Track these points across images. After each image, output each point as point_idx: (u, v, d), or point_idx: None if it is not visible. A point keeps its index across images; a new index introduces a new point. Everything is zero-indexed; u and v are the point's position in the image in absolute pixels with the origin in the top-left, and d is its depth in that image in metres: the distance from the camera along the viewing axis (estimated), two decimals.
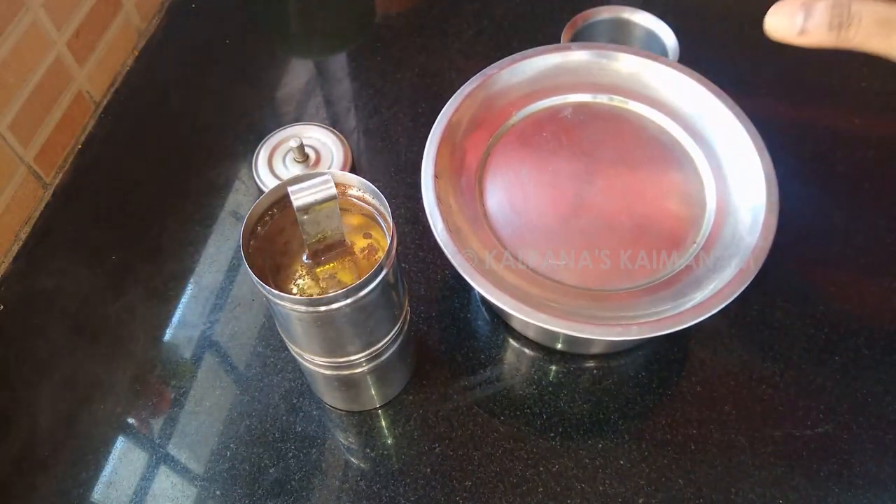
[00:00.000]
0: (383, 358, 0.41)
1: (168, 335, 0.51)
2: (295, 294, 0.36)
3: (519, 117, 0.49)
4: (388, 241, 0.36)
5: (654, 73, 0.49)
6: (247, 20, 0.72)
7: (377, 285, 0.35)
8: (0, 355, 0.50)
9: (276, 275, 0.37)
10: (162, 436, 0.47)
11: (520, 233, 0.44)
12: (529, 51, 0.50)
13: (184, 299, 0.52)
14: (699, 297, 0.40)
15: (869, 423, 0.45)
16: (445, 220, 0.42)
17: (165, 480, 0.45)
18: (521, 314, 0.39)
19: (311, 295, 0.36)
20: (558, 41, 0.57)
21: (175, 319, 0.51)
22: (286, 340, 0.41)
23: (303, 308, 0.34)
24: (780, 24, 0.29)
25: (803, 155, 0.58)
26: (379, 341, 0.40)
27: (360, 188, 0.37)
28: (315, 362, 0.40)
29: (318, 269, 0.37)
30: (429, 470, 0.44)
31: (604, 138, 0.48)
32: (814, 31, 0.28)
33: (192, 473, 0.45)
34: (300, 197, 0.33)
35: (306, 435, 0.46)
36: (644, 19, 0.58)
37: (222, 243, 0.55)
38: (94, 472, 0.45)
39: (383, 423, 0.47)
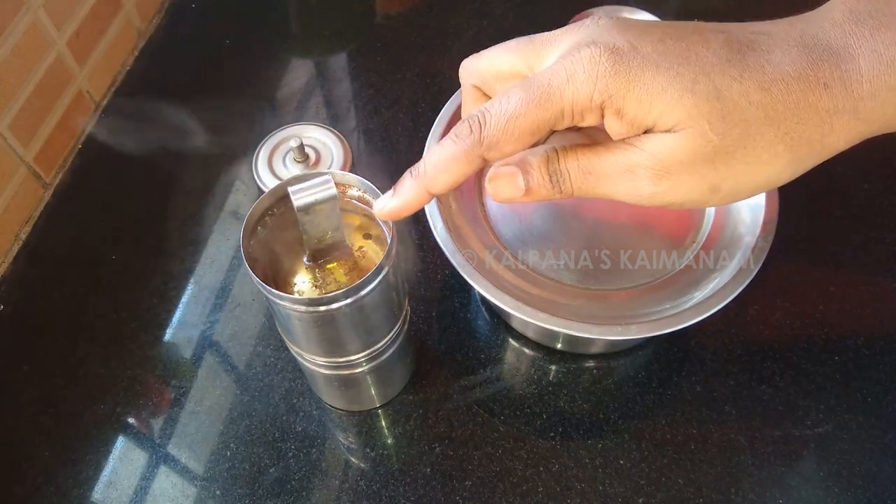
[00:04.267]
0: (383, 358, 0.41)
1: (168, 335, 0.51)
2: (295, 294, 0.36)
3: None
4: (388, 241, 0.36)
5: None
6: (247, 20, 0.72)
7: (377, 285, 0.35)
8: (0, 355, 0.50)
9: (276, 275, 0.37)
10: (162, 436, 0.47)
11: (520, 233, 0.44)
12: None
13: (184, 299, 0.52)
14: (699, 296, 0.40)
15: (869, 423, 0.45)
16: (445, 220, 0.42)
17: (165, 480, 0.45)
18: (521, 314, 0.39)
19: (312, 295, 0.36)
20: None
21: (175, 319, 0.51)
22: (286, 340, 0.41)
23: (303, 308, 0.34)
24: (505, 190, 0.29)
25: None
26: (379, 341, 0.40)
27: (360, 188, 0.37)
28: (315, 362, 0.40)
29: (319, 269, 0.37)
30: (429, 470, 0.44)
31: None
32: (537, 188, 0.29)
33: (192, 473, 0.45)
34: (300, 197, 0.33)
35: (306, 435, 0.46)
36: (643, 19, 0.58)
37: (222, 243, 0.55)
38: (94, 472, 0.45)
39: (383, 423, 0.47)
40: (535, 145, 0.29)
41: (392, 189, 0.31)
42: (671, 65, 0.25)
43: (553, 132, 0.29)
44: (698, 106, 0.25)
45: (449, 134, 0.28)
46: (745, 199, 0.28)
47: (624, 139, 0.27)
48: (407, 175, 0.30)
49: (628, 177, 0.27)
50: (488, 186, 0.30)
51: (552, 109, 0.26)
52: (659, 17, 0.57)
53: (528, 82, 0.27)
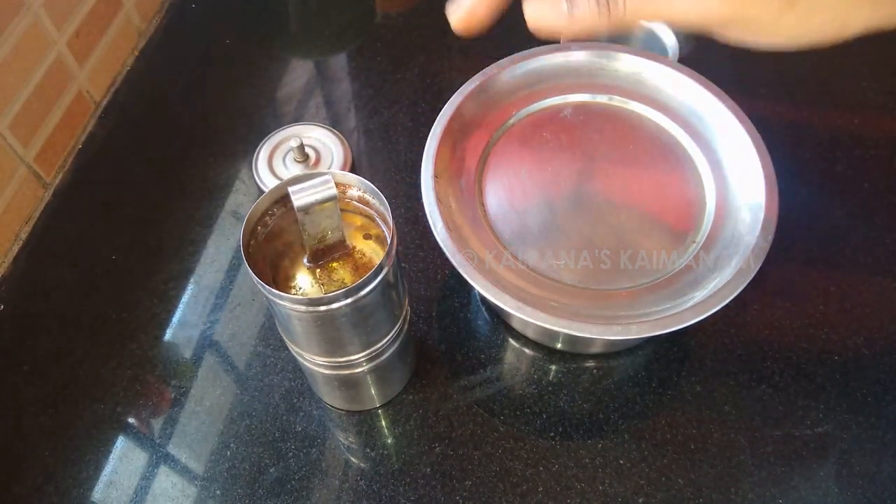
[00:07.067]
0: (383, 358, 0.41)
1: (168, 335, 0.51)
2: (295, 294, 0.36)
3: (519, 117, 0.49)
4: (388, 241, 0.36)
5: (653, 73, 0.49)
6: (247, 20, 0.72)
7: (377, 285, 0.35)
8: (0, 355, 0.50)
9: (276, 275, 0.37)
10: (162, 436, 0.47)
11: (520, 233, 0.44)
12: (529, 51, 0.50)
13: (184, 299, 0.52)
14: (699, 296, 0.40)
15: (869, 423, 0.45)
16: (445, 220, 0.42)
17: (165, 480, 0.45)
18: (521, 314, 0.39)
19: (312, 295, 0.36)
20: (558, 41, 0.57)
21: (175, 319, 0.51)
22: (286, 340, 0.41)
23: (303, 308, 0.34)
24: (545, 13, 0.27)
25: (803, 155, 0.58)
26: (379, 341, 0.40)
27: (360, 188, 0.37)
28: (315, 362, 0.40)
29: (319, 269, 0.37)
30: (429, 470, 0.44)
31: (604, 138, 0.48)
32: (582, 14, 0.27)
33: (193, 473, 0.45)
34: (300, 197, 0.33)
35: (306, 435, 0.46)
36: None
37: (222, 243, 0.55)
38: (94, 472, 0.45)
39: (383, 423, 0.47)
40: None
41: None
42: None
43: None
44: None
45: None
46: (813, 36, 0.26)
47: None
48: None
49: None
50: (526, 9, 0.28)
51: None
52: None
53: None
